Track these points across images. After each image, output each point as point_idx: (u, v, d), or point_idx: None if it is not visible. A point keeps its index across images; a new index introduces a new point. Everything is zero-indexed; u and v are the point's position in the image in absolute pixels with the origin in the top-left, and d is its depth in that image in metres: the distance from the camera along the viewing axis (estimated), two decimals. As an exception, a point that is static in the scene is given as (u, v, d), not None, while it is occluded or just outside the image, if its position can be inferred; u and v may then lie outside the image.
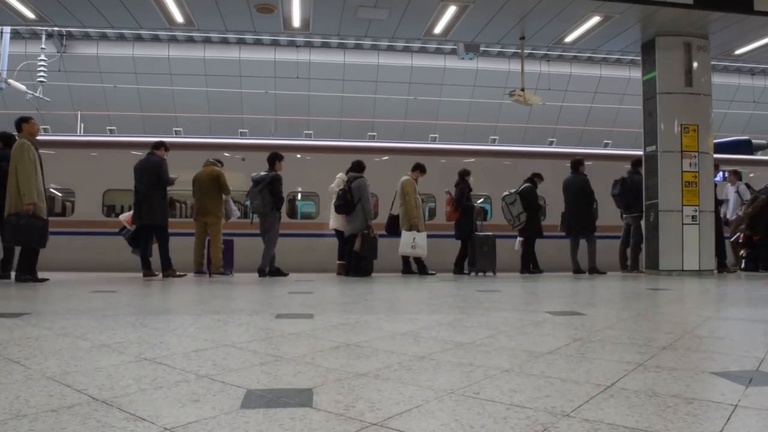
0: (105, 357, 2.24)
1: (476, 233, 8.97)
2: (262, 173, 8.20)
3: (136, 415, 1.47)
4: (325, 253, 9.59)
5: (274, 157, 8.32)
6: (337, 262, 8.83)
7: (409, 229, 8.58)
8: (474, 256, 8.80)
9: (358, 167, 8.51)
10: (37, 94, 18.48)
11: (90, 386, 1.76)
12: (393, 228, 8.92)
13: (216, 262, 7.99)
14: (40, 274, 6.59)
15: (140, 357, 2.26)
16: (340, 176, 8.78)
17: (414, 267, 8.92)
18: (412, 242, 8.46)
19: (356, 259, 8.29)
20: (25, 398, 1.62)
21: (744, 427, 1.43)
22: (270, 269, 8.14)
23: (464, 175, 9.26)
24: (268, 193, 8.01)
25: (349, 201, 8.24)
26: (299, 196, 11.33)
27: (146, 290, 5.92)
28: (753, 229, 9.90)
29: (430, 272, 8.86)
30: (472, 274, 8.81)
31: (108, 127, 14.96)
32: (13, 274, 6.64)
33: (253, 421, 1.42)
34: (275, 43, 21.42)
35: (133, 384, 1.81)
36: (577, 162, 9.45)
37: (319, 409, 1.53)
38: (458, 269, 9.09)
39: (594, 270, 9.02)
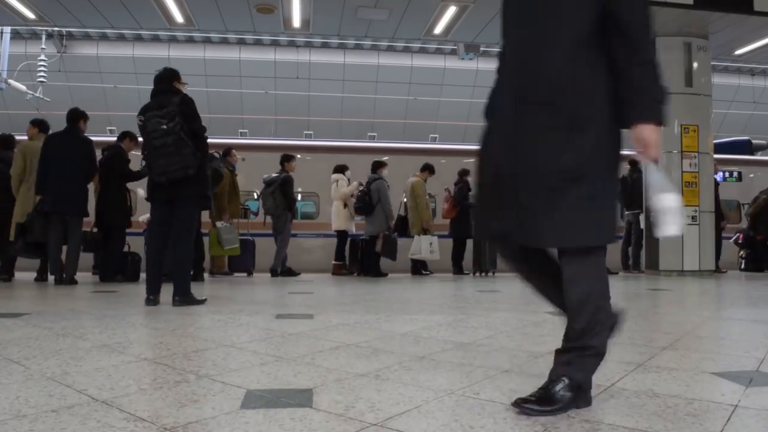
0: (105, 357, 2.24)
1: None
2: (274, 174, 8.20)
3: (136, 415, 1.47)
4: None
5: (285, 158, 8.33)
6: (333, 262, 8.82)
7: (423, 232, 8.55)
8: (480, 256, 8.80)
9: (375, 168, 8.53)
10: (37, 94, 18.46)
11: (90, 386, 1.76)
12: (402, 229, 8.90)
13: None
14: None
15: (140, 357, 2.26)
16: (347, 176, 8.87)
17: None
18: (430, 247, 8.44)
19: (373, 260, 8.32)
20: (25, 398, 1.62)
21: (744, 428, 1.43)
22: (282, 269, 8.17)
23: (464, 174, 9.26)
24: (280, 194, 8.03)
25: (368, 202, 8.29)
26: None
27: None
28: (755, 230, 9.88)
29: (425, 272, 8.92)
30: (477, 274, 8.80)
31: (108, 128, 14.94)
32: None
33: (253, 421, 1.42)
34: (275, 43, 21.38)
35: (133, 384, 1.81)
36: None
37: (319, 409, 1.53)
38: (458, 269, 9.08)
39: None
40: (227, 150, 8.27)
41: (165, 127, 3.96)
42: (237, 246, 7.84)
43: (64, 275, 6.14)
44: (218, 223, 7.73)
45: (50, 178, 6.06)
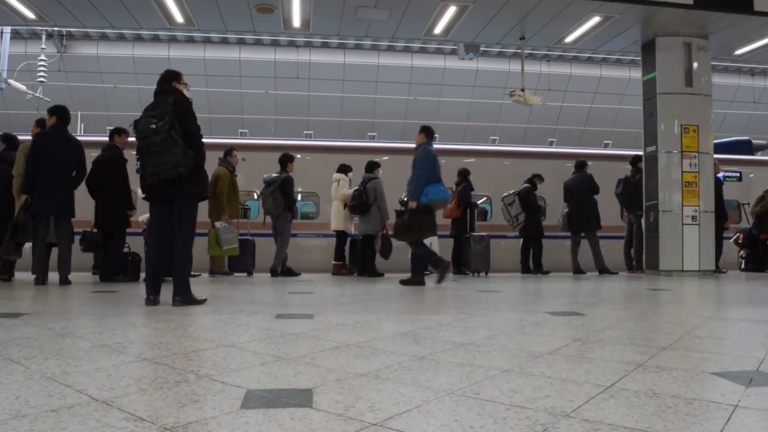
0: (105, 357, 2.23)
1: (472, 233, 8.96)
2: (274, 175, 8.21)
3: (136, 415, 1.47)
4: None
5: (286, 158, 8.33)
6: (333, 262, 8.82)
7: None
8: (468, 256, 8.81)
9: (371, 168, 8.52)
10: (37, 94, 18.44)
11: (90, 386, 1.76)
12: None
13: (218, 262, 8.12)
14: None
15: (140, 357, 2.26)
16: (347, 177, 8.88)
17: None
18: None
19: (368, 260, 8.32)
20: (25, 398, 1.62)
21: (744, 428, 1.43)
22: (282, 269, 8.16)
23: (465, 174, 9.28)
24: (280, 194, 8.04)
25: (364, 201, 8.28)
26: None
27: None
28: (760, 229, 9.86)
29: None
30: (470, 274, 8.81)
31: (108, 128, 14.95)
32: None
33: (253, 421, 1.42)
34: (275, 43, 21.38)
35: (133, 384, 1.81)
36: (581, 162, 9.49)
37: (319, 409, 1.53)
38: (457, 269, 9.09)
39: (604, 270, 8.95)
40: (228, 150, 8.28)
41: (153, 126, 3.96)
42: (236, 246, 7.83)
43: (45, 278, 6.06)
44: (217, 224, 7.73)
45: (41, 179, 5.98)
